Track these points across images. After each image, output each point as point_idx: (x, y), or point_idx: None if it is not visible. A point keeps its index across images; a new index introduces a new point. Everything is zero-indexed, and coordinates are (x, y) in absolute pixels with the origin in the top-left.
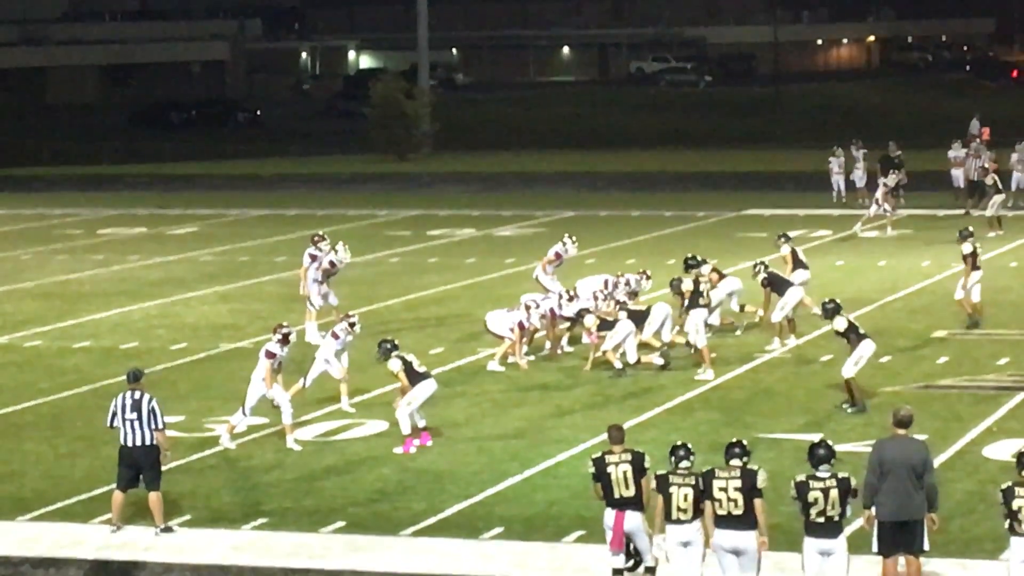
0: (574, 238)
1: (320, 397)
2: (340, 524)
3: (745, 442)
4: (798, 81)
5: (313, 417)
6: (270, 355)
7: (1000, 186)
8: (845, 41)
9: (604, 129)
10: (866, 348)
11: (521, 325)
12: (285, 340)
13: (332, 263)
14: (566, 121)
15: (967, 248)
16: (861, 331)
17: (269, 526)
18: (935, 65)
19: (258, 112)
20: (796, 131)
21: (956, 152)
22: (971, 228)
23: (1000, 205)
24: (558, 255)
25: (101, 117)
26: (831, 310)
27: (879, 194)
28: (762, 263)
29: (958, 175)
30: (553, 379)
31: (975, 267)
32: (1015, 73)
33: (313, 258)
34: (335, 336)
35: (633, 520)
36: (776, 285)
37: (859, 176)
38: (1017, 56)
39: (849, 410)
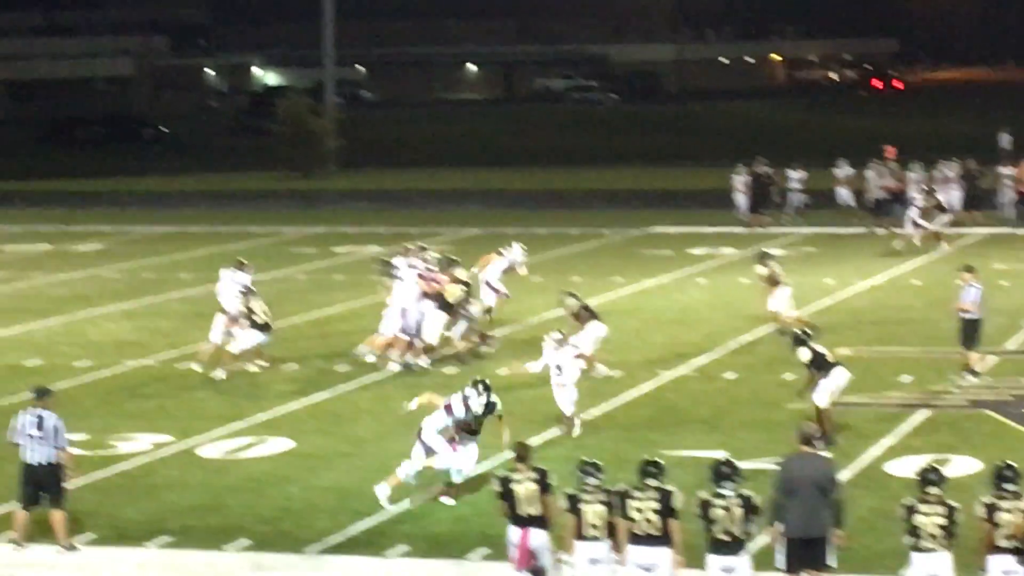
0: (524, 247)
1: (225, 414)
2: (245, 542)
3: (660, 461)
4: (703, 99)
5: (218, 434)
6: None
7: (944, 205)
8: (750, 60)
9: (510, 146)
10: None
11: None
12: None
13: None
14: (472, 138)
15: (762, 270)
16: (830, 359)
17: (174, 544)
18: (840, 84)
19: (163, 129)
20: (701, 149)
21: (844, 170)
22: (764, 250)
23: (945, 223)
24: (499, 253)
25: (4, 133)
26: (801, 339)
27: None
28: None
29: (843, 193)
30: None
31: (778, 283)
32: (874, 81)
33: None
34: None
35: (538, 537)
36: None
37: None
38: (920, 76)
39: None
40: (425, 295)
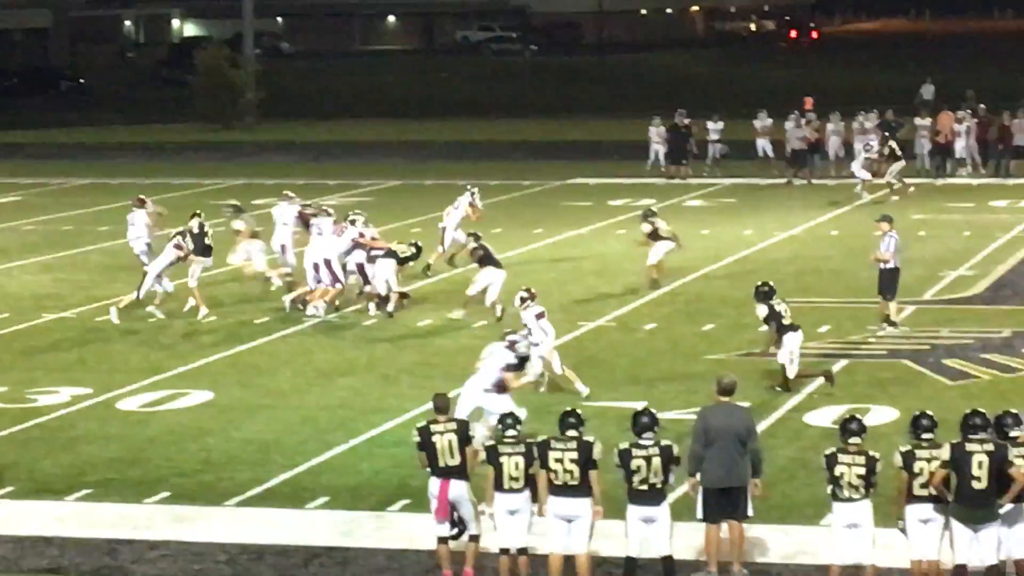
0: (474, 189)
1: (144, 367)
2: (165, 494)
3: (580, 412)
4: (623, 51)
5: (138, 387)
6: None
7: (900, 153)
8: (669, 11)
9: (430, 98)
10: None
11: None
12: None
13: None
14: (392, 90)
15: (646, 228)
16: (785, 321)
17: (93, 497)
18: (759, 35)
19: (82, 80)
20: (621, 101)
21: (763, 122)
22: (652, 208)
23: (899, 172)
24: (473, 206)
25: None
26: (764, 294)
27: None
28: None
29: (762, 144)
30: (379, 349)
31: (661, 238)
32: (790, 32)
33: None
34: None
35: (458, 489)
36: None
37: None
38: (838, 27)
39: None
40: (357, 245)
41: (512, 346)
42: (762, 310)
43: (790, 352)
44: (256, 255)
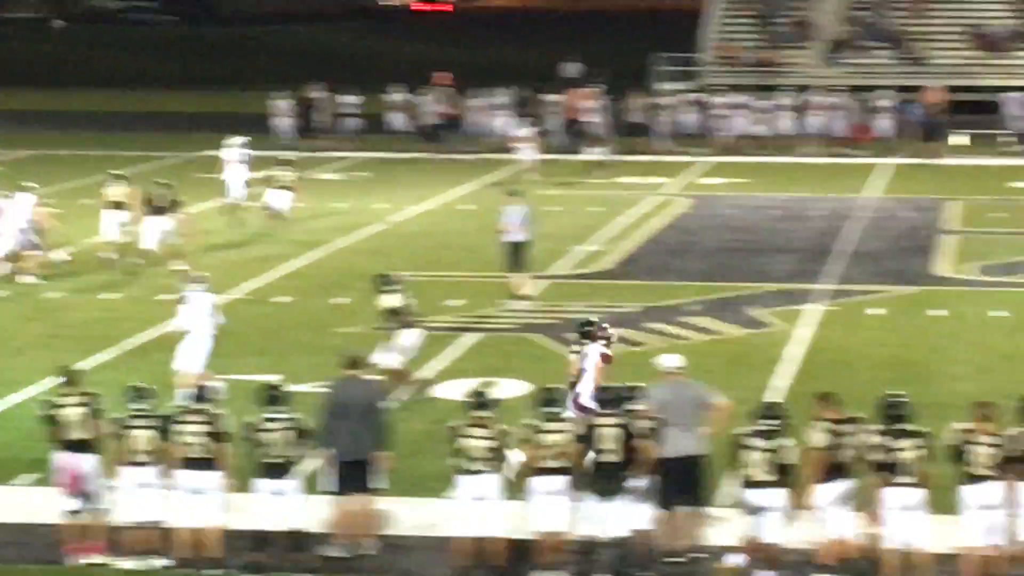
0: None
1: None
2: None
3: (212, 385)
4: (260, 22)
5: None
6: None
7: (601, 136)
8: None
9: (65, 67)
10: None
11: None
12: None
13: None
14: (22, 59)
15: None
16: (408, 317)
17: None
18: (395, 9)
19: None
20: (256, 73)
21: (397, 96)
22: (292, 171)
23: (601, 152)
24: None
25: None
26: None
27: None
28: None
29: (397, 118)
30: (6, 320)
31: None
32: (414, 5)
33: None
34: None
35: (86, 462)
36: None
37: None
38: (474, 3)
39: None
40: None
41: (608, 343)
42: (392, 299)
43: (404, 346)
44: None
